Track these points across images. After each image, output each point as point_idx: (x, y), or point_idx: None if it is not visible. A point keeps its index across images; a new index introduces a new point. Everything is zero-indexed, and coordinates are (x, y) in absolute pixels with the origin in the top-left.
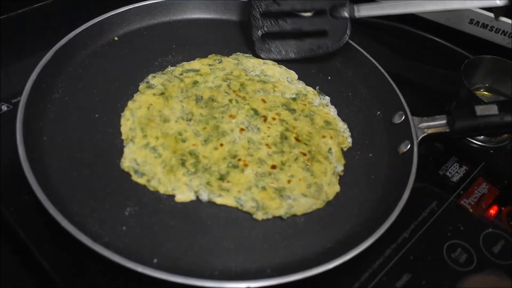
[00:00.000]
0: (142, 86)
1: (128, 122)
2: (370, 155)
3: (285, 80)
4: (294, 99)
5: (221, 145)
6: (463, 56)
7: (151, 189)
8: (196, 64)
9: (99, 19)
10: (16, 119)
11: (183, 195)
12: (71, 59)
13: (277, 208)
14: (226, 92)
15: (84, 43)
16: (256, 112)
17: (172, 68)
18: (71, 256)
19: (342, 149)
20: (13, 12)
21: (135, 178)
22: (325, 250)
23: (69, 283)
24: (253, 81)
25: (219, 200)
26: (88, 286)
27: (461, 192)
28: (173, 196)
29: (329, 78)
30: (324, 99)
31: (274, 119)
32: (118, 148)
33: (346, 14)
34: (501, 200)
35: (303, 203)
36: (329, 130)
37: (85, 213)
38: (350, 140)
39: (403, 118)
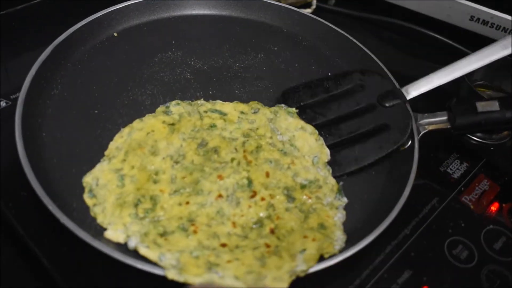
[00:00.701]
0: (159, 108)
1: (120, 140)
2: None
3: (309, 160)
4: (303, 187)
5: (187, 203)
6: (464, 52)
7: (92, 214)
8: (228, 107)
9: (99, 15)
10: (15, 115)
11: (114, 234)
12: (70, 55)
13: (195, 275)
14: (235, 149)
15: (83, 39)
16: (249, 183)
17: (202, 102)
18: (70, 252)
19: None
20: (12, 8)
21: (85, 196)
22: None
23: (68, 279)
24: (273, 148)
25: (143, 251)
26: (88, 282)
27: (462, 188)
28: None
29: (329, 74)
30: (339, 200)
31: (263, 199)
32: None
33: (398, 101)
34: (502, 197)
35: (227, 284)
36: (317, 234)
37: (84, 209)
38: (338, 247)
39: None
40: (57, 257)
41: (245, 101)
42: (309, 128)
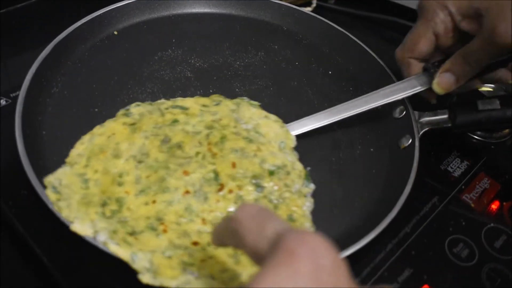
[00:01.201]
0: (120, 112)
1: (81, 147)
2: (371, 149)
3: (276, 145)
4: (271, 173)
5: (154, 202)
6: None
7: (55, 208)
8: (189, 102)
9: (99, 13)
10: (15, 113)
11: (82, 227)
12: (70, 53)
13: (171, 278)
14: (199, 143)
15: (83, 37)
16: (216, 176)
17: (163, 100)
18: (71, 251)
19: None
20: (12, 6)
21: (47, 191)
22: None
23: (69, 278)
24: (238, 136)
25: (113, 248)
26: (88, 281)
27: (463, 187)
28: None
29: (330, 72)
30: (307, 187)
31: (231, 191)
32: None
33: None
34: (502, 195)
35: (204, 284)
36: None
37: None
38: None
39: (404, 112)
40: (57, 255)
41: None
42: (273, 116)
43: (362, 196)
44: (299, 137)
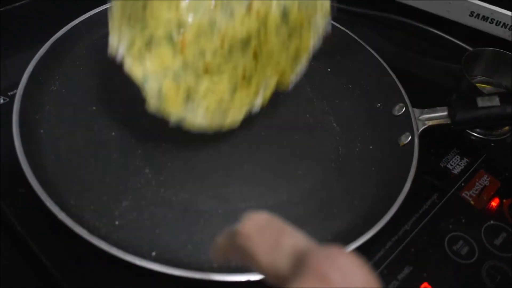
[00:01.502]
0: None
1: None
2: (371, 147)
3: None
4: (300, 4)
5: (178, 5)
6: (464, 48)
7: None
8: None
9: (97, 11)
10: (13, 112)
11: (112, 40)
12: (68, 51)
13: (173, 109)
14: None
15: (81, 35)
16: None
17: None
18: (69, 249)
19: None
20: (10, 5)
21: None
22: (325, 243)
23: (67, 276)
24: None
25: (128, 61)
26: (88, 280)
27: (462, 184)
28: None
29: (329, 70)
30: (324, 26)
31: (258, 14)
32: (115, 140)
33: None
34: (502, 192)
35: (196, 122)
36: (288, 63)
37: (83, 206)
38: (292, 82)
39: (404, 110)
40: (55, 254)
41: None
42: None
43: (361, 194)
44: None
